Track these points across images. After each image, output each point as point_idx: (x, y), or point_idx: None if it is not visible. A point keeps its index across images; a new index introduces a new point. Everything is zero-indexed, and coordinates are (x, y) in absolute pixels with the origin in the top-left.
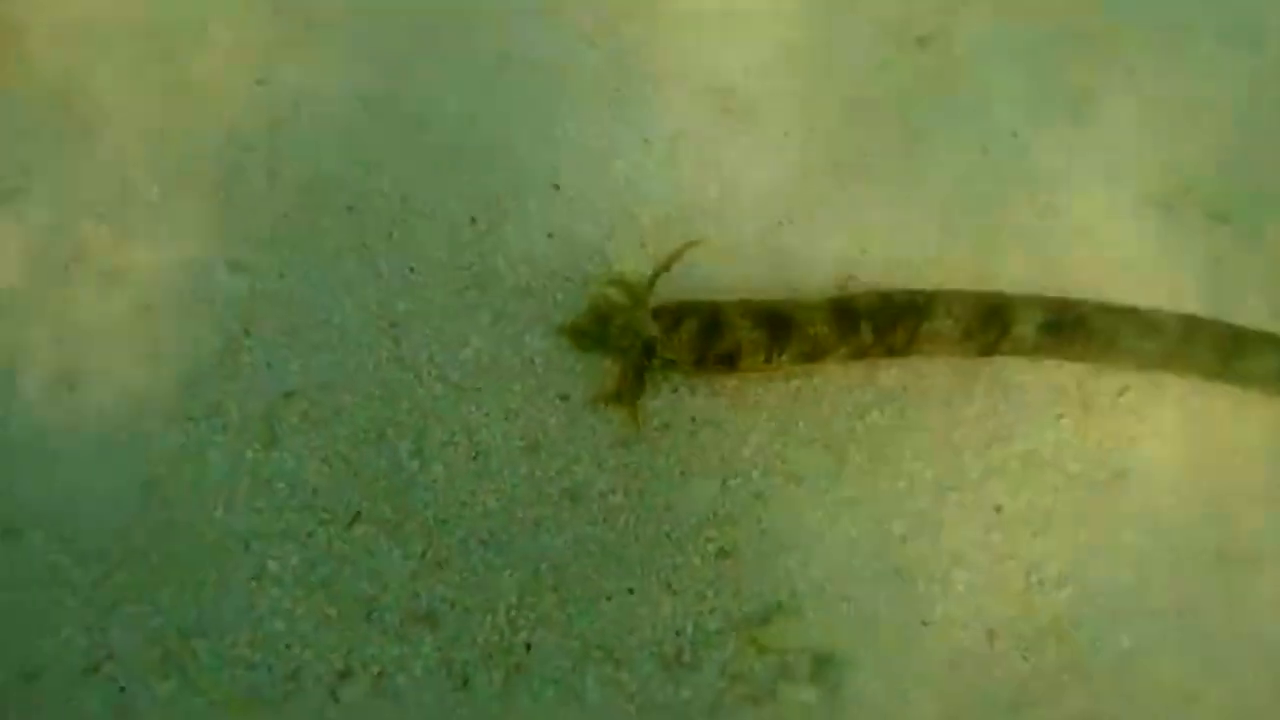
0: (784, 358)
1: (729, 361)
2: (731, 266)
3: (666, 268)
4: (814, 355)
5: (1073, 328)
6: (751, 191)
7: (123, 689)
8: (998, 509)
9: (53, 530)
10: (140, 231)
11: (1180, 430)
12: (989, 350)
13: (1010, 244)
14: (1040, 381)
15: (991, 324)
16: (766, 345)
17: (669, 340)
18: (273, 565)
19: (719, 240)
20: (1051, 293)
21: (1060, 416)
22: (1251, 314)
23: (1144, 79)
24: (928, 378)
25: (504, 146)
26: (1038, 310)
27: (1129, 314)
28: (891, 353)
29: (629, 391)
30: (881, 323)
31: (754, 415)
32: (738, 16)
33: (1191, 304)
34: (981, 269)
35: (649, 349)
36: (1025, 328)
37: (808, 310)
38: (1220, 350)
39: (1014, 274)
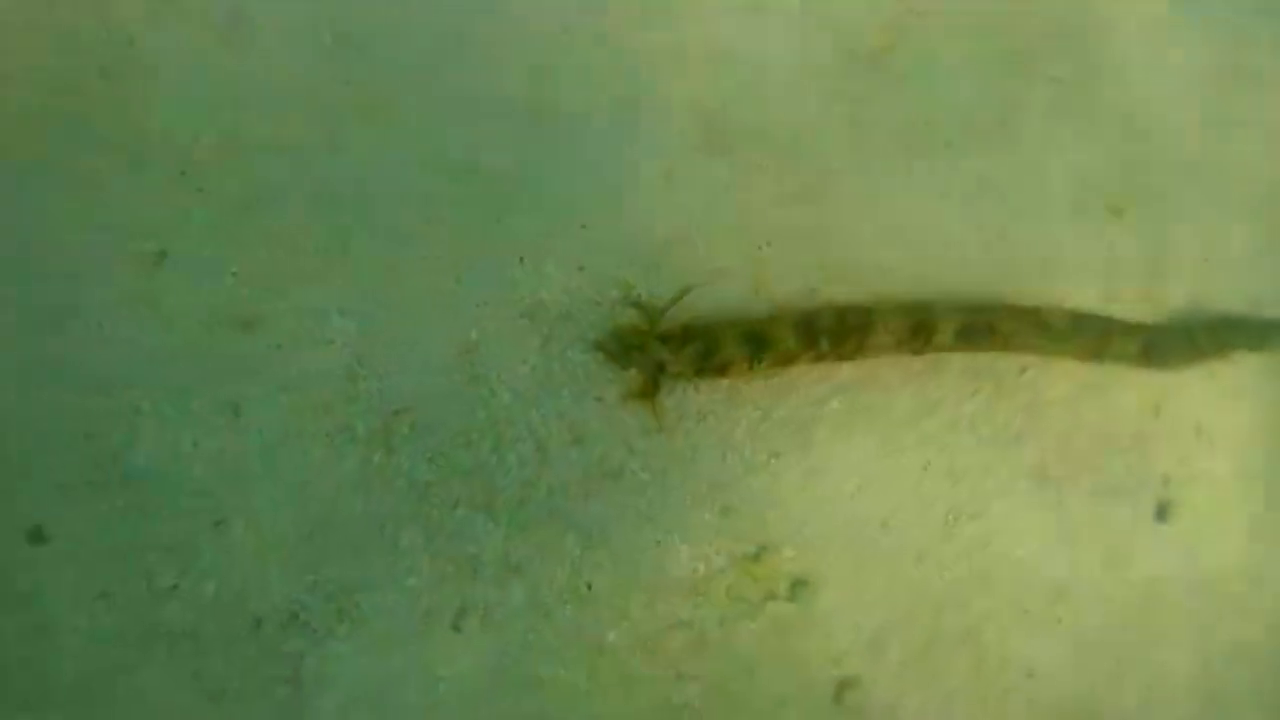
0: (762, 365)
1: (721, 370)
2: (723, 285)
3: (670, 307)
4: (785, 362)
5: (982, 330)
6: (735, 216)
7: (314, 631)
8: (925, 466)
9: (250, 522)
10: (263, 288)
11: (1066, 398)
12: (919, 351)
13: (948, 251)
14: (962, 366)
15: (919, 333)
16: (749, 358)
17: (675, 358)
18: (403, 540)
19: (709, 263)
20: (982, 289)
21: (975, 393)
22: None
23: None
24: (875, 371)
25: (540, 194)
26: (954, 319)
27: (1025, 314)
28: (842, 358)
29: (648, 394)
30: (836, 336)
31: (742, 407)
32: (718, 50)
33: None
34: (923, 276)
35: (660, 365)
36: (944, 335)
37: (779, 328)
38: (1095, 338)
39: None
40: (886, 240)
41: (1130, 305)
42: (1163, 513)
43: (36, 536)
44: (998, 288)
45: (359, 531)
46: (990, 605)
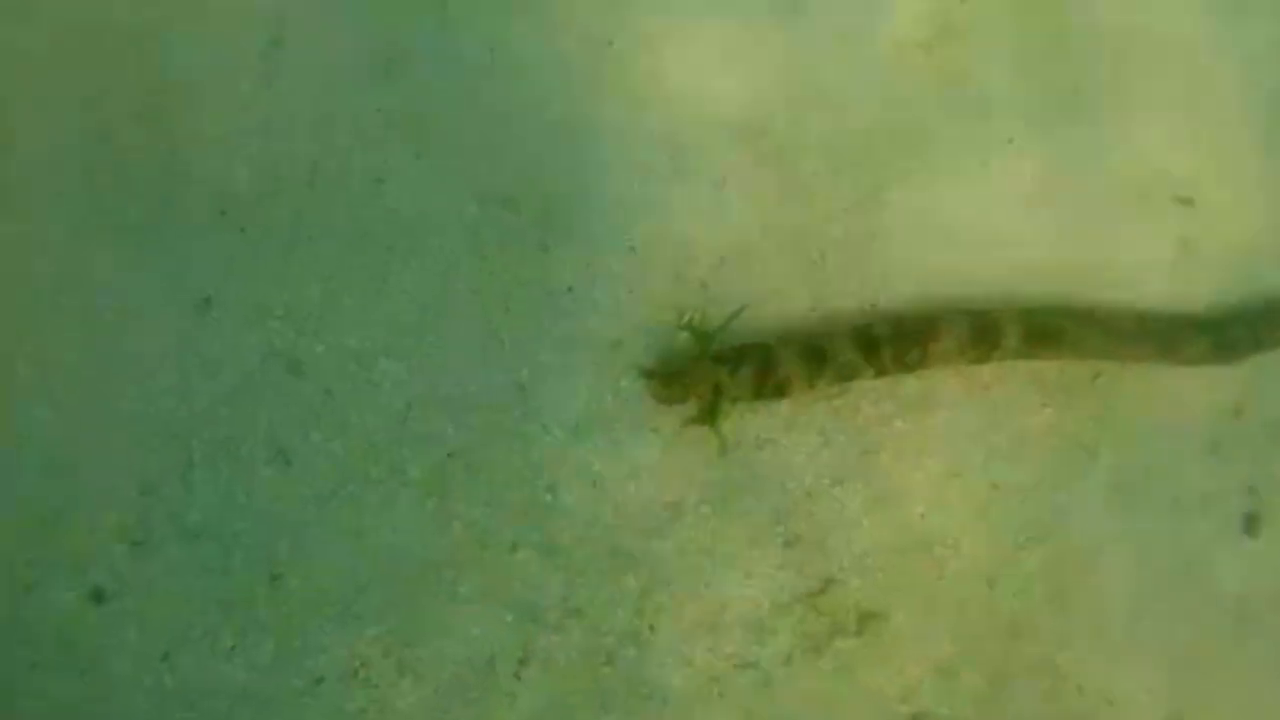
0: (823, 382)
1: (781, 391)
2: (779, 302)
3: (724, 328)
4: (847, 377)
5: (1050, 334)
6: (788, 230)
7: (376, 686)
8: (995, 485)
9: (306, 575)
10: (310, 329)
11: (1140, 404)
12: (984, 359)
13: (1010, 253)
14: (1029, 377)
15: (984, 338)
16: (808, 375)
17: (732, 380)
18: (462, 588)
19: (764, 282)
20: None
21: (1045, 405)
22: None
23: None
24: (939, 388)
25: (586, 218)
26: (1020, 322)
27: (1091, 316)
28: (908, 369)
29: (706, 421)
30: (898, 346)
31: (803, 433)
32: (760, 54)
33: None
34: (986, 281)
35: (717, 389)
36: (1011, 340)
37: (837, 341)
38: (1163, 337)
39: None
40: (946, 246)
41: (1202, 300)
42: (1250, 524)
43: (97, 596)
44: (1063, 289)
45: (417, 580)
46: (1065, 629)
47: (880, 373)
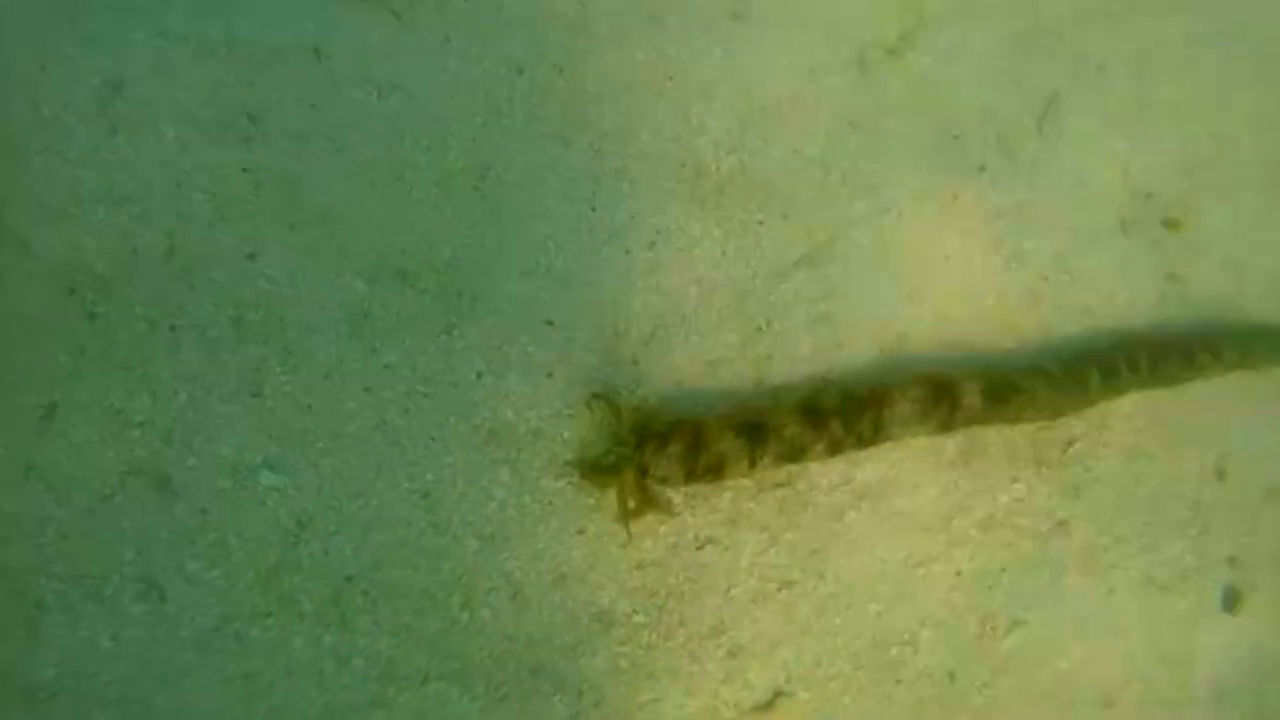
0: (766, 461)
1: (717, 471)
2: (720, 377)
3: (649, 403)
4: (793, 455)
5: (1008, 390)
6: (730, 291)
7: None
8: (958, 573)
9: None
10: (178, 439)
11: (1117, 471)
12: (948, 424)
13: (981, 302)
14: (999, 450)
15: (942, 399)
16: (748, 452)
17: (657, 460)
18: None
19: (703, 354)
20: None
21: (1014, 480)
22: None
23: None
24: (899, 468)
25: (495, 289)
26: (977, 380)
27: (1039, 373)
28: (862, 442)
29: (635, 512)
30: (849, 416)
31: (747, 530)
32: (704, 83)
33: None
34: (951, 332)
35: (643, 470)
36: (972, 398)
37: (781, 415)
38: (1105, 376)
39: (987, 329)
40: (910, 300)
41: (1194, 331)
42: (1230, 600)
43: None
44: (1040, 335)
45: None
46: (1032, 719)
47: (832, 449)
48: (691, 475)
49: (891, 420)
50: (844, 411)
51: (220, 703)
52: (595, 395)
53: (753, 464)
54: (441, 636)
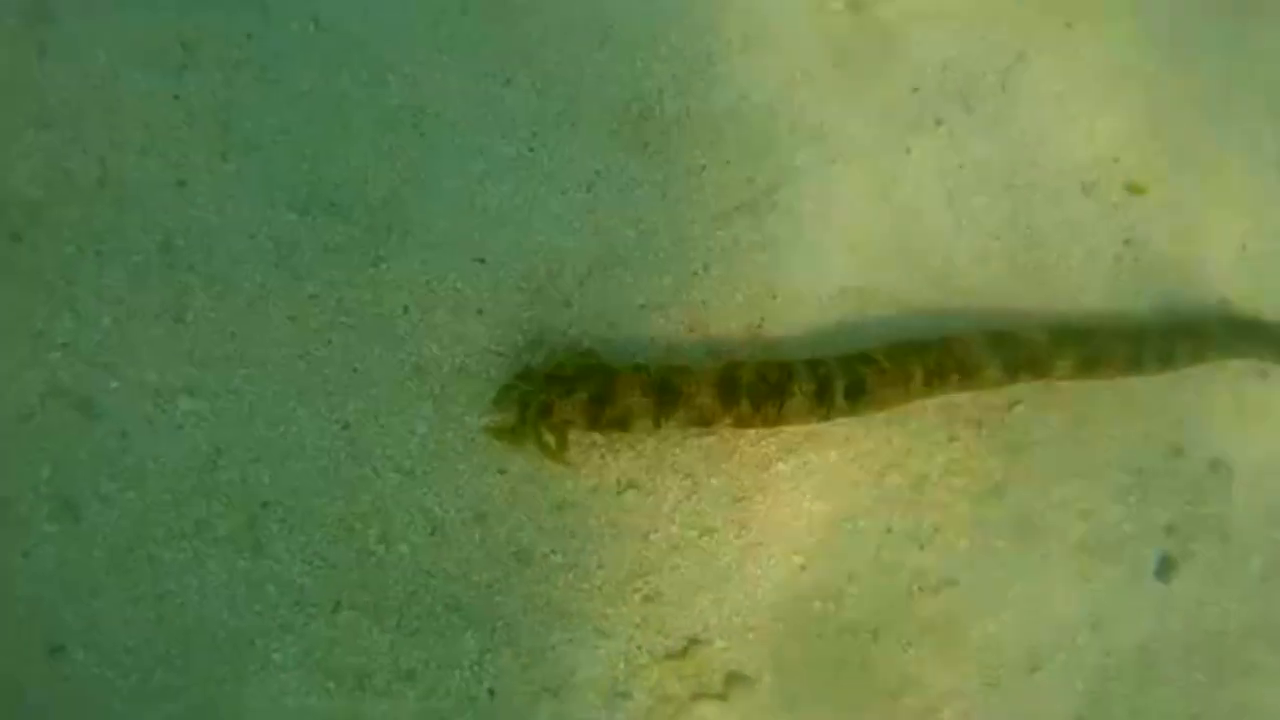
0: (671, 424)
1: (622, 425)
2: (652, 323)
3: (575, 349)
4: (701, 422)
5: (950, 370)
6: (669, 235)
7: None
8: (888, 529)
9: (92, 645)
10: (101, 360)
11: (1059, 435)
12: (856, 410)
13: (931, 261)
14: (938, 408)
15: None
16: (654, 412)
17: (562, 403)
18: (276, 656)
19: (635, 296)
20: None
21: (952, 439)
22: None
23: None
24: (834, 423)
25: (427, 225)
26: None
27: (998, 339)
28: (766, 424)
29: (515, 436)
30: (757, 397)
31: (670, 475)
32: (652, 26)
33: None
34: (891, 287)
35: (547, 408)
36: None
37: (696, 380)
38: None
39: (932, 293)
40: (854, 255)
41: (1149, 303)
42: (1164, 568)
43: None
44: (990, 300)
45: (226, 649)
46: (954, 683)
47: (739, 424)
48: (596, 424)
49: (792, 410)
50: (755, 393)
51: (131, 622)
52: (520, 375)
53: (658, 424)
54: (356, 567)
